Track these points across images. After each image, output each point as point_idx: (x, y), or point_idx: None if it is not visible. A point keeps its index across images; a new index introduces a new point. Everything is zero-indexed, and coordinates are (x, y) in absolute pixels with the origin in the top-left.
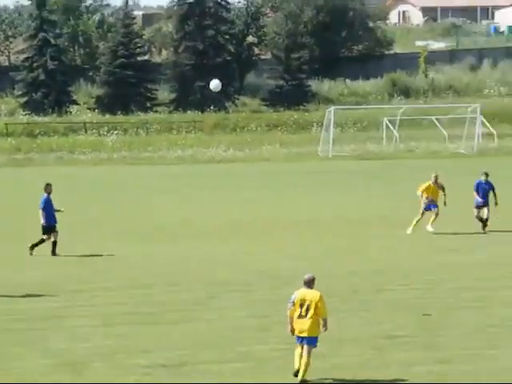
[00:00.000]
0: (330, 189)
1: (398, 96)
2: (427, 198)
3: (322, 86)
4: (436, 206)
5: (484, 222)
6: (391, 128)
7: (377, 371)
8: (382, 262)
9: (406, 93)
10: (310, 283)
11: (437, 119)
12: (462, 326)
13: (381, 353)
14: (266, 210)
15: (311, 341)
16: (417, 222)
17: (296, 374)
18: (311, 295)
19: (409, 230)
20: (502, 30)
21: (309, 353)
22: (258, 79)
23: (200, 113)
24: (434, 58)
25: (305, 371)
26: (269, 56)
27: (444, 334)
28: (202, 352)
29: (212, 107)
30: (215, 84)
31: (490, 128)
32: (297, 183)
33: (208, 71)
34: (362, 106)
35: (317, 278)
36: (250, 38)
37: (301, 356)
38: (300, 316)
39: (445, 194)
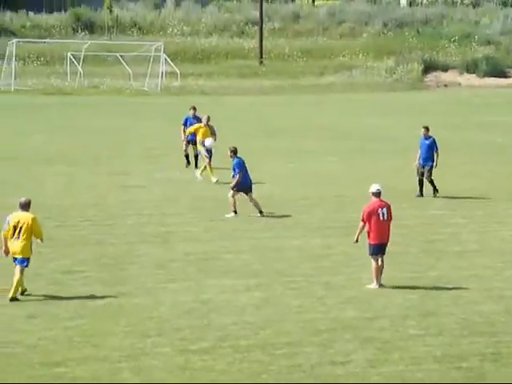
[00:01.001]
0: (13, 123)
1: (82, 31)
2: (202, 142)
3: (3, 17)
4: (210, 150)
5: (195, 157)
6: (75, 63)
7: (60, 305)
8: (64, 198)
9: (91, 28)
10: (25, 206)
11: (121, 56)
12: (142, 260)
13: (61, 288)
14: None
15: (22, 261)
16: (205, 167)
17: (23, 292)
18: (25, 217)
19: (197, 174)
20: None
21: (21, 272)
22: None
23: None
24: None
25: (16, 288)
26: None
27: (124, 269)
28: None
29: None
30: (209, 142)
31: (174, 67)
32: None
33: None
34: (46, 40)
35: None
36: None
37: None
38: (14, 238)
39: (215, 138)
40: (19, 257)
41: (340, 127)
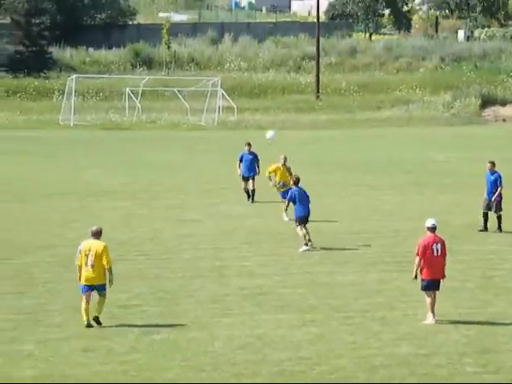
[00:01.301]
0: (72, 157)
1: (140, 67)
2: (279, 183)
3: (64, 53)
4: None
5: (251, 192)
6: (133, 98)
7: (116, 339)
8: (121, 232)
9: (149, 64)
10: (96, 234)
11: (179, 91)
12: (198, 295)
13: (118, 321)
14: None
15: (100, 288)
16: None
17: (88, 326)
18: (96, 246)
19: (285, 217)
20: (242, 5)
21: (102, 296)
22: None
23: None
24: (176, 30)
25: (99, 311)
26: (8, 21)
27: (180, 303)
28: None
29: None
30: (271, 135)
31: (231, 102)
32: (38, 151)
33: None
34: (105, 76)
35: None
36: None
37: (86, 309)
38: (86, 265)
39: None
40: (93, 284)
41: (397, 161)
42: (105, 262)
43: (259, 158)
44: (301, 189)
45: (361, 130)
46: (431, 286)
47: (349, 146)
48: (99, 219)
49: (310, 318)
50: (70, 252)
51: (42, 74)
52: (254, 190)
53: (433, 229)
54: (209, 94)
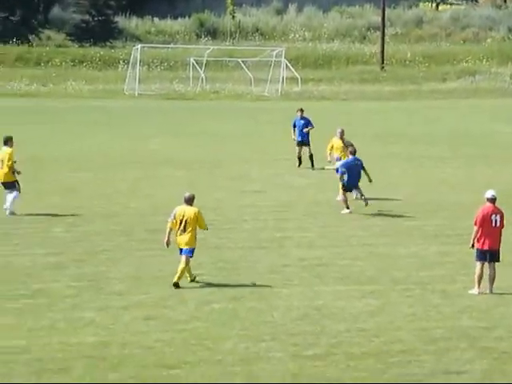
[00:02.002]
0: (137, 127)
1: (205, 37)
2: (338, 159)
3: (129, 23)
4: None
5: (310, 158)
6: (198, 68)
7: (176, 308)
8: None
9: (214, 34)
10: (189, 201)
11: (243, 62)
12: (258, 265)
13: (179, 291)
14: (72, 146)
15: (189, 251)
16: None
17: (193, 279)
18: (190, 211)
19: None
20: None
21: (186, 262)
22: (63, 13)
23: (2, 45)
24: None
25: (179, 277)
26: None
27: (240, 273)
28: None
29: (14, 40)
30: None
31: (294, 72)
32: (103, 121)
33: (10, 2)
34: (170, 45)
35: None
36: None
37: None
38: (179, 229)
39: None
40: (185, 248)
41: (462, 133)
42: (201, 227)
43: (313, 125)
44: (353, 159)
45: (426, 102)
46: (487, 256)
47: (413, 118)
48: (163, 188)
49: (369, 290)
50: (133, 221)
51: (108, 44)
52: (311, 156)
53: (492, 200)
54: (273, 65)
